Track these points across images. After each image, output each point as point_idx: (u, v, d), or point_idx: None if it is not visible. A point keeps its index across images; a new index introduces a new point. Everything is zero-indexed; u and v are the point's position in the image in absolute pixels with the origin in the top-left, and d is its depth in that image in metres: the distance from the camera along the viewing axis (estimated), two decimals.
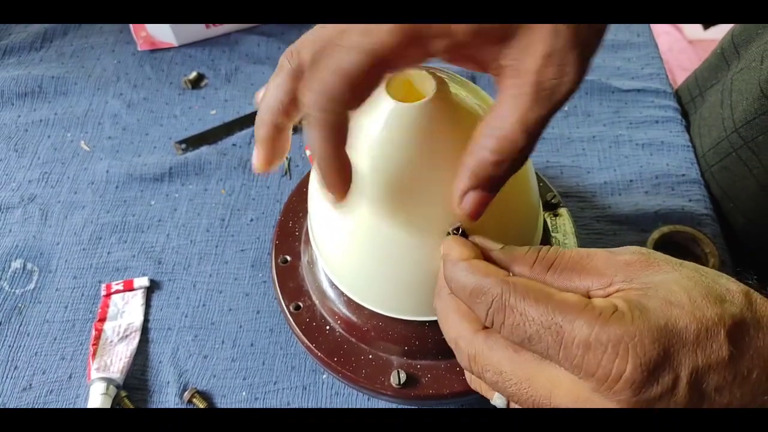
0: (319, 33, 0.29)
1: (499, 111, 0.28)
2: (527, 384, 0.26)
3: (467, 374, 0.35)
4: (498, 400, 0.31)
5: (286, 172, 0.59)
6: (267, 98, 0.31)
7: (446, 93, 0.33)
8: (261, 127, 0.32)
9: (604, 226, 0.55)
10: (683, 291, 0.24)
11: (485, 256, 0.30)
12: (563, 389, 0.25)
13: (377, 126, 0.33)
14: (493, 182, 0.29)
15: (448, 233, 0.32)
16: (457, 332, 0.29)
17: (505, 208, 0.35)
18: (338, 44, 0.28)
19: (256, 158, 0.33)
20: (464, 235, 0.31)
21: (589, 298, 0.27)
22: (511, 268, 0.29)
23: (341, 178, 0.30)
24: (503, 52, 0.27)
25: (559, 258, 0.28)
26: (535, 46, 0.27)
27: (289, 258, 0.46)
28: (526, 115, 0.27)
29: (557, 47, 0.26)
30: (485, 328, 0.29)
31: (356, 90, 0.28)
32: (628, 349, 0.23)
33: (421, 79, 0.34)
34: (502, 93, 0.28)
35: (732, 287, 0.25)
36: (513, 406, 0.31)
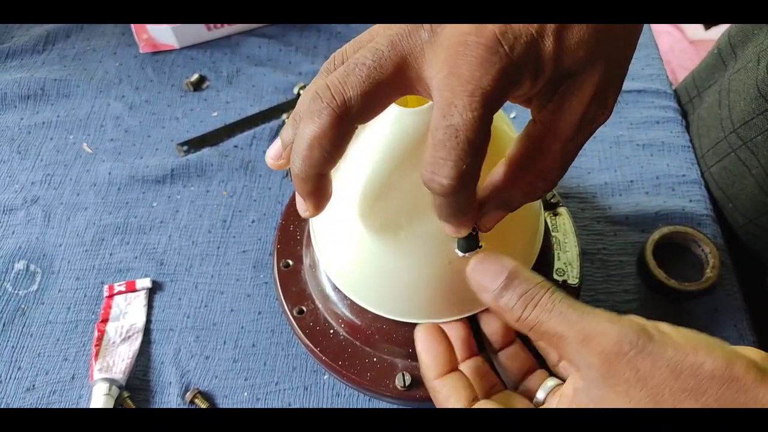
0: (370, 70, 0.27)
1: (536, 142, 0.29)
2: None
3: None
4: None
5: (287, 174, 0.59)
6: (307, 150, 0.28)
7: None
8: (307, 182, 0.30)
9: (604, 227, 0.55)
10: None
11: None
12: None
13: (381, 131, 0.33)
14: (517, 206, 0.31)
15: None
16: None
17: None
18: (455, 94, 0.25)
19: (307, 210, 0.31)
20: (477, 236, 0.31)
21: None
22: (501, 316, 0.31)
23: (321, 198, 0.31)
24: (556, 91, 0.28)
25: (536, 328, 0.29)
26: (586, 86, 0.28)
27: (291, 262, 0.47)
28: (567, 146, 0.29)
29: (603, 85, 0.28)
30: (472, 402, 0.31)
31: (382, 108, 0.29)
32: None
33: None
34: (539, 123, 0.29)
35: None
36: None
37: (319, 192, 0.31)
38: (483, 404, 0.30)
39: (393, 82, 0.27)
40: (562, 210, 0.47)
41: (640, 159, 0.59)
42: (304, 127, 0.28)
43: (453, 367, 0.32)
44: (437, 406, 0.32)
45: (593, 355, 0.27)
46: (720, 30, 0.62)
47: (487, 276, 0.30)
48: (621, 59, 0.29)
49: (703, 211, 0.55)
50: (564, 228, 0.46)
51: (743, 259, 0.55)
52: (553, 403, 0.31)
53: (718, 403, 0.24)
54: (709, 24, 1.42)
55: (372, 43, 0.28)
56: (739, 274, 0.52)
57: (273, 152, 0.32)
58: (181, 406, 0.47)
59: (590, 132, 0.29)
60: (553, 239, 0.46)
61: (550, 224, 0.47)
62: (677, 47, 1.52)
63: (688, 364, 0.25)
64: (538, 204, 0.41)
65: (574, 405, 0.28)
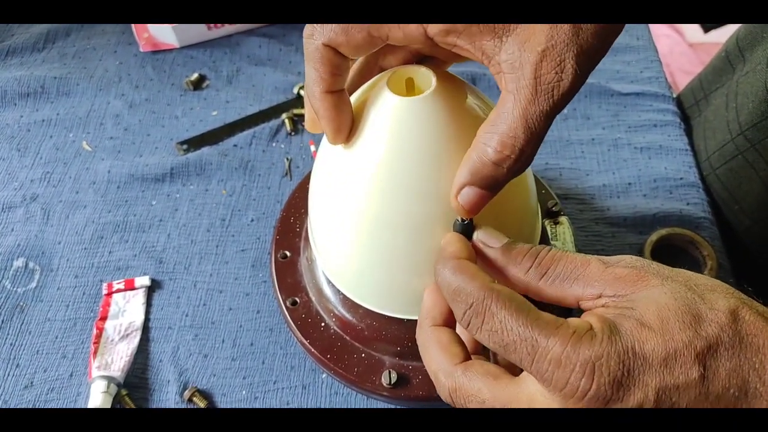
0: None
1: (501, 107, 0.28)
2: (509, 406, 0.27)
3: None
4: None
5: (286, 173, 0.59)
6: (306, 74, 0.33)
7: (445, 88, 0.33)
8: (313, 101, 0.33)
9: (602, 228, 0.55)
10: (658, 312, 0.25)
11: (484, 253, 0.30)
12: (539, 405, 0.26)
13: (377, 121, 0.33)
14: (491, 182, 0.30)
15: (456, 222, 0.32)
16: (437, 365, 0.30)
17: (501, 215, 0.35)
18: None
19: (328, 136, 0.34)
20: (471, 226, 0.31)
21: (579, 306, 0.28)
22: (506, 270, 0.30)
23: (332, 118, 0.33)
24: (501, 46, 0.28)
25: (553, 266, 0.29)
26: (533, 41, 0.27)
27: (288, 253, 0.47)
28: (528, 109, 0.27)
29: (555, 43, 0.27)
30: (464, 361, 0.29)
31: (349, 36, 0.30)
32: (594, 369, 0.24)
33: (422, 75, 0.35)
34: (503, 91, 0.28)
35: (719, 304, 0.25)
36: None
37: (331, 113, 0.33)
38: (472, 364, 0.29)
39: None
40: (563, 219, 0.47)
41: (638, 162, 0.59)
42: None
43: (449, 324, 0.32)
44: (423, 357, 0.31)
45: (620, 267, 0.27)
46: (720, 33, 0.63)
47: (493, 237, 0.30)
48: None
49: (700, 214, 0.56)
50: (564, 237, 0.46)
51: (745, 262, 0.55)
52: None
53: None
54: (707, 26, 1.42)
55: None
56: (739, 275, 0.52)
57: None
58: (179, 404, 0.47)
59: (553, 98, 0.27)
60: (552, 248, 0.46)
61: (549, 232, 0.47)
62: (676, 50, 1.53)
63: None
64: (534, 212, 0.41)
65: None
